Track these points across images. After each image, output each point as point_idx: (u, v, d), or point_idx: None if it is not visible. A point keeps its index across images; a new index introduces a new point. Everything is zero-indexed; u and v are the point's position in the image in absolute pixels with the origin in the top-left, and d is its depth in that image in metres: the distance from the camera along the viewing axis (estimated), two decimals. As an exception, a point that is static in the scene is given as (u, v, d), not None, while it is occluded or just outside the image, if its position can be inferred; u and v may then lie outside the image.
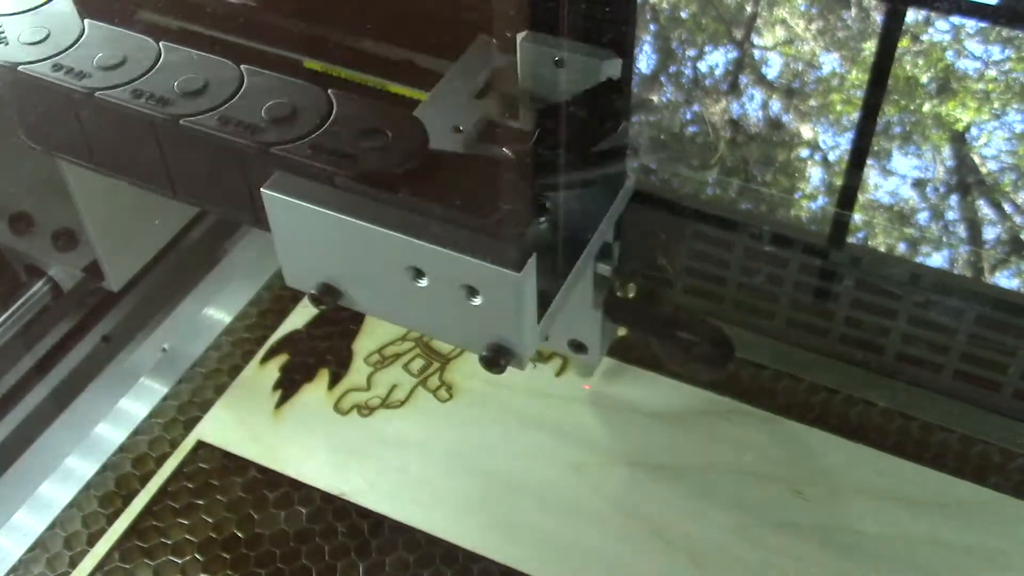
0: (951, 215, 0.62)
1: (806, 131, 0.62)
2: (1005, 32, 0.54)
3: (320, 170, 0.44)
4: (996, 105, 0.57)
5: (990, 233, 0.61)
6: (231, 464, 0.67)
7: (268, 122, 0.46)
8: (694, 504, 0.64)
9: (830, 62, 0.59)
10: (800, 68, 0.60)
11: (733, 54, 0.62)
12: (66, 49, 0.52)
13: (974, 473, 0.65)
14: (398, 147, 0.44)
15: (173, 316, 0.77)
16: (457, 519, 0.64)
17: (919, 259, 0.64)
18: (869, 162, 0.62)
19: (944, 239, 0.62)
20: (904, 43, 0.57)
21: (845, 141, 0.62)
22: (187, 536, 0.63)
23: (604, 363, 0.71)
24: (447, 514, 0.64)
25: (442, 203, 0.42)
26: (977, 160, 0.59)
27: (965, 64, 0.56)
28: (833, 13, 0.58)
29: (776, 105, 0.62)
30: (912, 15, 0.56)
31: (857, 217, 0.64)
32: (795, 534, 0.62)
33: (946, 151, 0.60)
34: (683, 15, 0.62)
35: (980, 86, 0.56)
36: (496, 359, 0.45)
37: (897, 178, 0.62)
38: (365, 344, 0.73)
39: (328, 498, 0.65)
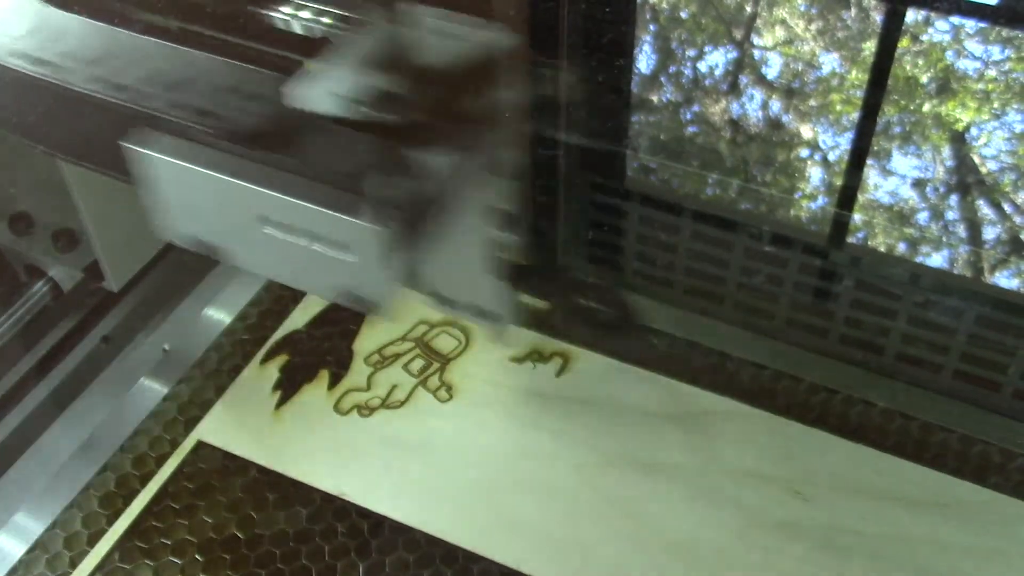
0: (951, 215, 0.62)
1: (806, 131, 0.62)
2: (1005, 32, 0.54)
3: (191, 128, 0.46)
4: (996, 105, 0.57)
5: (990, 233, 0.61)
6: (231, 464, 0.67)
7: (141, 83, 0.49)
8: (694, 504, 0.64)
9: (830, 62, 0.59)
10: (800, 68, 0.60)
11: (732, 54, 0.62)
12: None
13: (974, 473, 0.65)
14: (266, 107, 0.46)
15: (173, 316, 0.77)
16: (457, 519, 0.64)
17: (919, 259, 0.64)
18: (869, 162, 0.62)
19: (944, 239, 0.62)
20: (904, 43, 0.57)
21: (845, 141, 0.62)
22: (187, 536, 0.64)
23: (603, 363, 0.71)
24: (447, 514, 0.64)
25: (306, 161, 0.45)
26: (977, 160, 0.59)
27: (965, 64, 0.56)
28: (833, 13, 0.58)
29: (776, 105, 0.62)
30: (912, 15, 0.56)
31: (857, 217, 0.64)
32: (795, 534, 0.62)
33: (946, 151, 0.60)
34: (683, 15, 0.62)
35: (980, 86, 0.56)
36: (357, 308, 0.48)
37: (897, 178, 0.62)
38: (365, 344, 0.74)
39: (328, 498, 0.65)
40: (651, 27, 0.62)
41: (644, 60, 0.63)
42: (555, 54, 0.60)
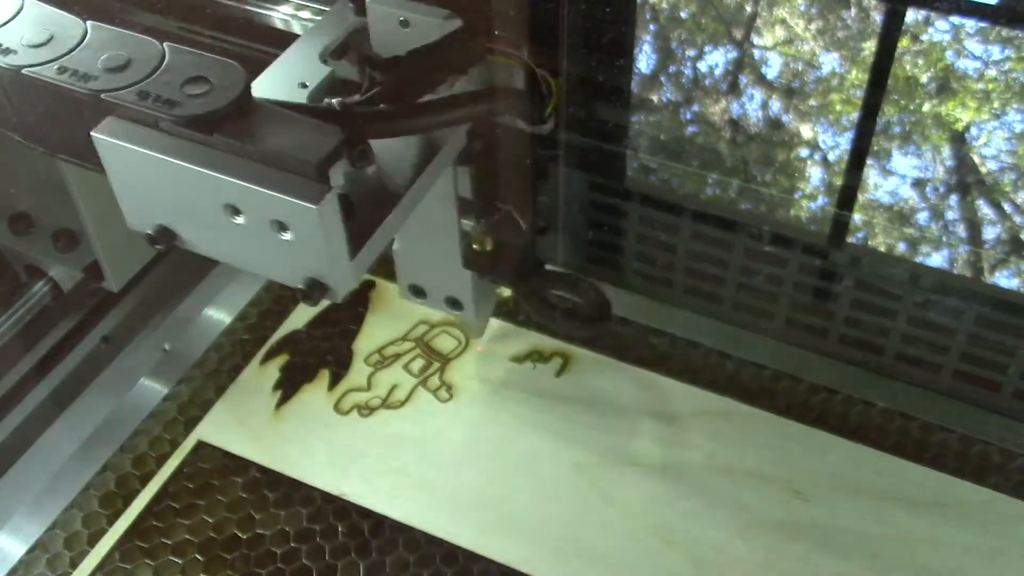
0: (951, 215, 0.62)
1: (806, 131, 0.62)
2: (1005, 32, 0.54)
3: (144, 114, 0.47)
4: (996, 105, 0.57)
5: (990, 233, 0.61)
6: (231, 464, 0.67)
7: (102, 71, 0.49)
8: (694, 504, 0.64)
9: (830, 62, 0.59)
10: (800, 68, 0.60)
11: (733, 54, 0.62)
12: None
13: (974, 473, 0.65)
14: (218, 94, 0.47)
15: (173, 316, 0.77)
16: (457, 519, 0.64)
17: (919, 259, 0.64)
18: (869, 162, 0.62)
19: (944, 239, 0.62)
20: (904, 43, 0.57)
21: (845, 141, 0.62)
22: (188, 536, 0.64)
23: (603, 363, 0.71)
24: (447, 514, 0.64)
25: (255, 145, 0.46)
26: (977, 160, 0.59)
27: (965, 64, 0.56)
28: (833, 13, 0.58)
29: (776, 105, 0.62)
30: (912, 15, 0.56)
31: (857, 217, 0.64)
32: (795, 534, 0.62)
33: (946, 151, 0.60)
34: (683, 15, 0.62)
35: (980, 86, 0.56)
36: (311, 293, 0.48)
37: (897, 178, 0.62)
38: (365, 344, 0.74)
39: (328, 498, 0.65)
40: (651, 27, 0.62)
41: (644, 60, 0.63)
42: (555, 54, 0.60)
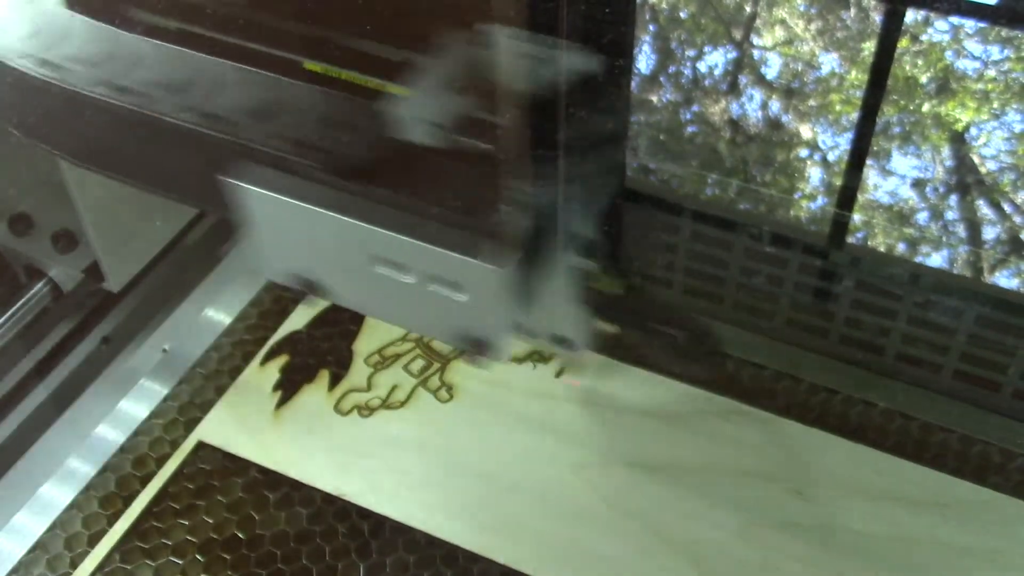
0: (950, 215, 0.62)
1: (806, 131, 0.62)
2: (1004, 32, 0.54)
3: (295, 163, 0.44)
4: (995, 105, 0.57)
5: (989, 233, 0.61)
6: (232, 465, 0.67)
7: (242, 115, 0.46)
8: (694, 504, 0.64)
9: (829, 62, 0.59)
10: (800, 68, 0.60)
11: (732, 54, 0.62)
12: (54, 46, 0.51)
13: (974, 473, 0.65)
14: (373, 141, 0.44)
15: (173, 317, 0.77)
16: (457, 520, 0.64)
17: (919, 259, 0.64)
18: (869, 162, 0.62)
19: (943, 239, 0.62)
20: (903, 43, 0.57)
21: (845, 141, 0.62)
22: (188, 537, 0.64)
23: (604, 363, 0.71)
24: (447, 515, 0.64)
25: (425, 199, 0.43)
26: (976, 160, 0.59)
27: (964, 64, 0.56)
28: (832, 13, 0.58)
29: (775, 105, 0.62)
30: (911, 15, 0.56)
31: (857, 217, 0.64)
32: (795, 534, 0.62)
33: (945, 151, 0.60)
34: (682, 15, 0.62)
35: (979, 86, 0.56)
36: (477, 352, 0.46)
37: (896, 178, 0.62)
38: (365, 345, 0.74)
39: (329, 499, 0.65)
40: (651, 27, 0.62)
41: (644, 60, 0.63)
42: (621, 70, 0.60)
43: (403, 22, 0.55)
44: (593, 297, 0.60)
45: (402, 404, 0.70)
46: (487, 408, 0.69)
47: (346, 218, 0.43)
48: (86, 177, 0.61)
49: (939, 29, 0.56)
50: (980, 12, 0.54)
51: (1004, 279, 0.62)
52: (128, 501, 0.65)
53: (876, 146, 0.61)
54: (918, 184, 0.61)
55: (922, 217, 0.62)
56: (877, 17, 0.56)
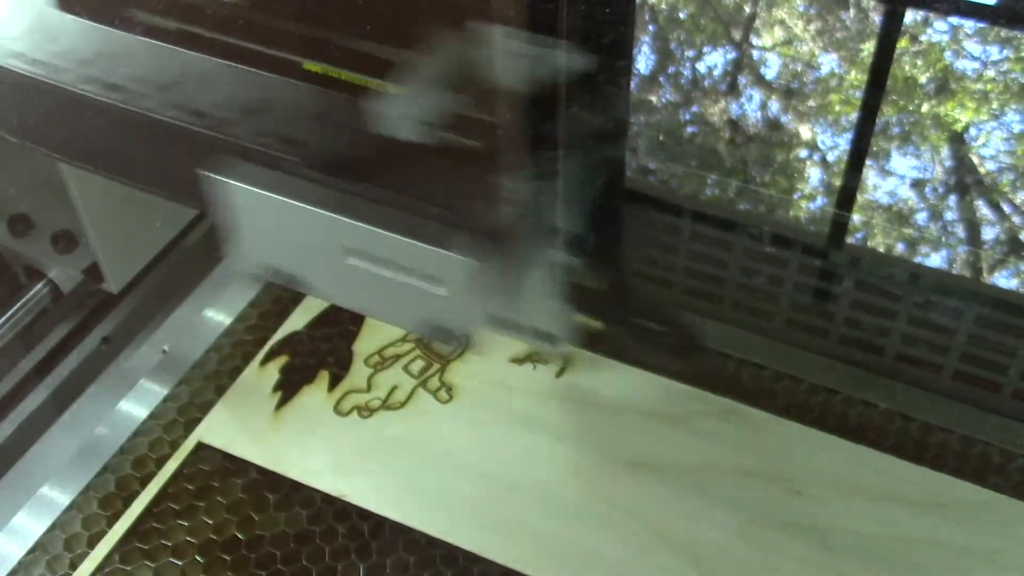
0: (950, 215, 0.62)
1: (805, 132, 0.62)
2: (1003, 32, 0.54)
3: (277, 158, 0.45)
4: (994, 105, 0.57)
5: (989, 233, 0.61)
6: (231, 466, 0.67)
7: (227, 111, 0.46)
8: (694, 504, 0.64)
9: (829, 63, 0.59)
10: (799, 69, 0.60)
11: (732, 55, 0.62)
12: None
13: (974, 473, 0.65)
14: (357, 137, 0.44)
15: (173, 318, 0.77)
16: (457, 520, 0.64)
17: (918, 259, 0.64)
18: (868, 163, 0.62)
19: (943, 239, 0.62)
20: (903, 44, 0.57)
21: (844, 142, 0.62)
22: (188, 538, 0.63)
23: (603, 364, 0.71)
24: (447, 515, 0.64)
25: (404, 193, 0.43)
26: (975, 160, 0.59)
27: (963, 64, 0.56)
28: (832, 14, 0.58)
29: (775, 106, 0.62)
30: (911, 16, 0.56)
31: (856, 218, 0.64)
32: (795, 534, 0.62)
33: (945, 151, 0.60)
34: (682, 16, 0.62)
35: (979, 86, 0.57)
36: (442, 340, 0.46)
37: (896, 178, 0.62)
38: (365, 345, 0.74)
39: (328, 499, 0.65)
40: (651, 27, 0.62)
41: (644, 61, 0.63)
42: (611, 69, 0.60)
43: (392, 20, 0.56)
44: (575, 292, 0.60)
45: (402, 405, 0.70)
46: (487, 408, 0.69)
47: (325, 212, 0.43)
48: (86, 178, 0.61)
49: (938, 29, 0.56)
50: (979, 12, 0.54)
51: (1003, 279, 0.62)
52: (128, 502, 0.65)
53: (875, 146, 0.61)
54: (917, 184, 0.61)
55: (921, 217, 0.62)
56: (876, 17, 0.57)
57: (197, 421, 0.70)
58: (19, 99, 0.54)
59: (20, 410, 0.71)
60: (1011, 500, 0.64)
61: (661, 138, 0.66)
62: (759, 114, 0.62)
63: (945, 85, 0.57)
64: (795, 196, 0.65)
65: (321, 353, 0.73)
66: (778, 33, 0.59)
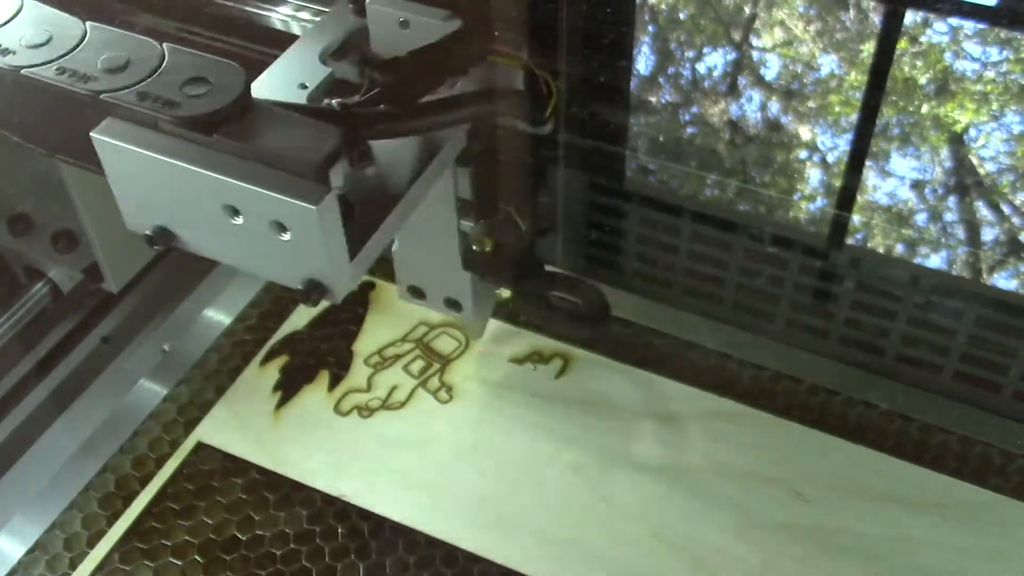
0: (950, 216, 0.62)
1: (805, 133, 0.62)
2: (1003, 33, 0.55)
3: (144, 115, 0.47)
4: (994, 106, 0.57)
5: (989, 234, 0.61)
6: (231, 465, 0.67)
7: (102, 72, 0.49)
8: (694, 505, 0.64)
9: (829, 64, 0.59)
10: (799, 70, 0.61)
11: (732, 55, 0.62)
12: None
13: (974, 474, 0.65)
14: (217, 95, 0.47)
15: (173, 317, 0.77)
16: (457, 520, 0.64)
17: (918, 260, 0.64)
18: (868, 163, 0.62)
19: (943, 240, 0.62)
20: (903, 44, 0.57)
21: (844, 142, 0.62)
22: (187, 537, 0.63)
23: (603, 364, 0.71)
24: (447, 515, 0.64)
25: (255, 146, 0.46)
26: (975, 161, 0.59)
27: (963, 65, 0.56)
28: (832, 14, 0.58)
29: (775, 106, 0.62)
30: (911, 16, 0.56)
31: (856, 218, 0.64)
32: (795, 535, 0.62)
33: (944, 152, 0.60)
34: (681, 16, 0.62)
35: (978, 87, 0.57)
36: (310, 294, 0.48)
37: (896, 179, 0.62)
38: (365, 345, 0.74)
39: (328, 499, 0.65)
40: (650, 28, 0.62)
41: (644, 61, 0.63)
42: (555, 55, 0.60)
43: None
44: (471, 257, 0.61)
45: (402, 405, 0.70)
46: (487, 409, 0.69)
47: (181, 163, 0.46)
48: (86, 177, 0.61)
49: (938, 31, 0.56)
50: (979, 13, 0.54)
51: (1003, 280, 0.62)
52: (127, 501, 0.65)
53: (875, 147, 0.61)
54: (917, 185, 0.61)
55: (921, 218, 0.62)
56: (876, 18, 0.57)
57: (197, 421, 0.70)
58: None
59: (20, 409, 0.71)
60: (1011, 501, 0.64)
61: (661, 138, 0.66)
62: (759, 115, 0.62)
63: (945, 86, 0.57)
64: (795, 197, 0.65)
65: (321, 353, 0.73)
66: (778, 34, 0.59)
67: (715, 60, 0.62)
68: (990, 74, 0.56)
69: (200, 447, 0.68)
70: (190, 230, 0.50)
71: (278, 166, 0.45)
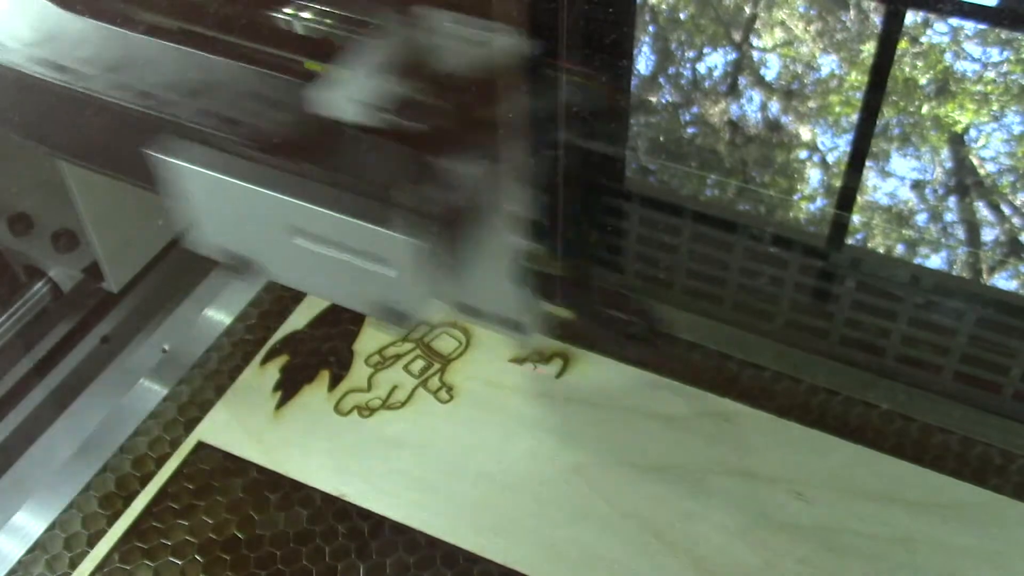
0: (950, 217, 0.62)
1: (805, 133, 0.62)
2: (1004, 34, 0.55)
3: (221, 139, 0.46)
4: (995, 107, 0.57)
5: (989, 235, 0.61)
6: (231, 465, 0.67)
7: (169, 91, 0.48)
8: (694, 505, 0.64)
9: (829, 64, 0.59)
10: (799, 70, 0.61)
11: (732, 55, 0.62)
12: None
13: (973, 475, 0.65)
14: (304, 119, 0.46)
15: (173, 317, 0.77)
16: (457, 520, 0.64)
17: (918, 261, 0.64)
18: (868, 164, 0.62)
19: (943, 241, 0.62)
20: (903, 45, 0.57)
21: (844, 143, 0.62)
22: (187, 537, 0.63)
23: (603, 364, 0.71)
24: (447, 515, 0.64)
25: (345, 173, 0.44)
26: (976, 162, 0.59)
27: (964, 66, 0.56)
28: (832, 15, 0.58)
29: (775, 107, 0.62)
30: (911, 17, 0.56)
31: (856, 219, 0.64)
32: (795, 535, 0.62)
33: (945, 153, 0.60)
34: (682, 16, 0.62)
35: (979, 88, 0.57)
36: (388, 320, 0.47)
37: (896, 180, 0.62)
38: (366, 345, 0.74)
39: (328, 499, 0.65)
40: (651, 28, 0.62)
41: (644, 61, 0.63)
42: (554, 55, 0.60)
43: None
44: (538, 279, 0.60)
45: (402, 404, 0.70)
46: (487, 409, 0.69)
47: (273, 193, 0.44)
48: (86, 177, 0.61)
49: (939, 31, 0.56)
50: (980, 14, 0.54)
51: (1004, 281, 0.63)
52: (127, 501, 0.65)
53: (876, 147, 0.61)
54: (917, 186, 0.61)
55: (921, 219, 0.63)
56: (877, 19, 0.57)
57: (197, 420, 0.70)
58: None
59: (20, 409, 0.71)
60: (1011, 501, 0.64)
61: (662, 138, 0.66)
62: (759, 115, 0.62)
63: (945, 86, 0.57)
64: (795, 197, 0.65)
65: (321, 353, 0.73)
66: (778, 34, 0.59)
67: (716, 60, 0.62)
68: (990, 74, 0.56)
69: (200, 447, 0.68)
70: (262, 255, 0.48)
71: (377, 197, 0.43)
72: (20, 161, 0.67)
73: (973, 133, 0.58)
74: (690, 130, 0.65)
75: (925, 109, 0.58)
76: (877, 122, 0.60)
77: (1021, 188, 0.60)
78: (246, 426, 0.69)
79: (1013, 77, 0.56)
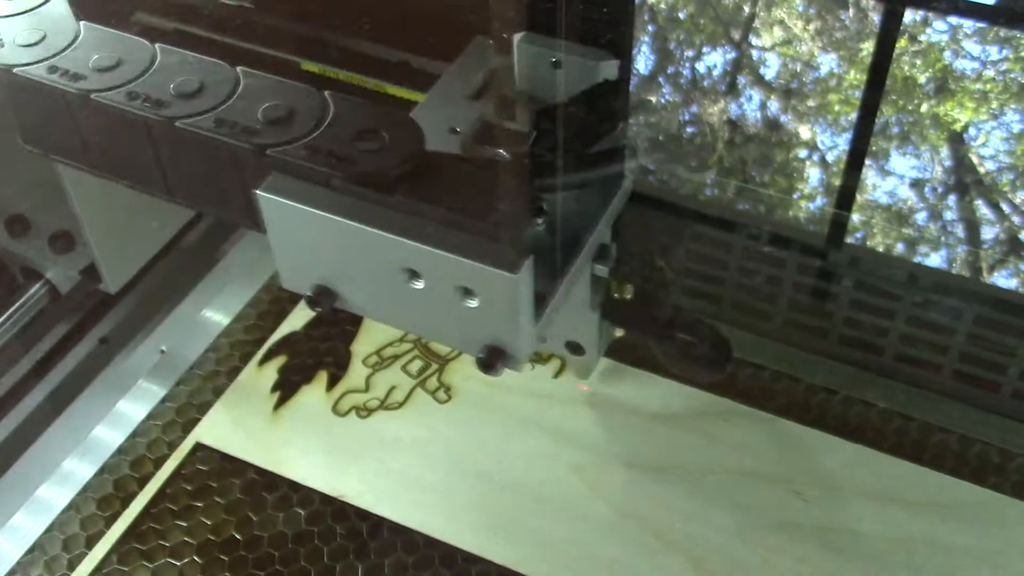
0: (949, 215, 0.62)
1: (804, 132, 0.62)
2: (1003, 32, 0.54)
3: (316, 172, 0.44)
4: (994, 105, 0.57)
5: (988, 233, 0.61)
6: (229, 466, 0.67)
7: (264, 124, 0.46)
8: (693, 505, 0.64)
9: (828, 62, 0.59)
10: (798, 69, 0.60)
11: (731, 55, 0.62)
12: (62, 51, 0.52)
13: (973, 474, 0.65)
14: (393, 149, 0.44)
15: (171, 318, 0.77)
16: (456, 521, 0.63)
17: (917, 259, 0.64)
18: (867, 162, 0.62)
19: (942, 239, 0.62)
20: (902, 43, 0.57)
21: (843, 141, 0.62)
22: (186, 538, 0.63)
23: (603, 364, 0.71)
24: (446, 516, 0.64)
25: (438, 205, 0.43)
26: (975, 160, 0.59)
27: (963, 64, 0.56)
28: (831, 14, 0.58)
29: (774, 105, 0.62)
30: (910, 15, 0.56)
31: (855, 217, 0.64)
32: (794, 535, 0.62)
33: (944, 151, 0.60)
34: (681, 16, 0.62)
35: (978, 86, 0.57)
36: (492, 361, 0.45)
37: (895, 178, 0.62)
38: (364, 345, 0.73)
39: (327, 500, 0.65)
40: (650, 27, 0.62)
41: (642, 61, 0.63)
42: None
43: (401, 24, 0.55)
44: (606, 302, 0.59)
45: (400, 405, 0.70)
46: (486, 409, 0.69)
47: (360, 225, 0.43)
48: (83, 179, 0.61)
49: (938, 29, 0.56)
50: (978, 12, 0.54)
51: (1003, 279, 0.62)
52: (126, 502, 0.65)
53: (875, 146, 0.61)
54: (917, 184, 0.61)
55: (921, 217, 0.62)
56: (876, 17, 0.56)
57: (195, 421, 0.69)
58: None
59: (18, 410, 0.71)
60: (1011, 500, 0.64)
61: (661, 138, 0.66)
62: (758, 114, 0.62)
63: (944, 85, 0.57)
64: (795, 196, 0.65)
65: (319, 353, 0.73)
66: (777, 33, 0.59)
67: (715, 59, 0.62)
68: (990, 73, 0.56)
69: (198, 448, 0.68)
70: (357, 291, 0.47)
71: (469, 228, 0.42)
72: (17, 162, 0.66)
73: (972, 131, 0.58)
74: (689, 130, 0.65)
75: (924, 107, 0.58)
76: (876, 121, 0.60)
77: (1020, 186, 0.59)
78: (244, 427, 0.69)
79: (1012, 75, 0.55)
